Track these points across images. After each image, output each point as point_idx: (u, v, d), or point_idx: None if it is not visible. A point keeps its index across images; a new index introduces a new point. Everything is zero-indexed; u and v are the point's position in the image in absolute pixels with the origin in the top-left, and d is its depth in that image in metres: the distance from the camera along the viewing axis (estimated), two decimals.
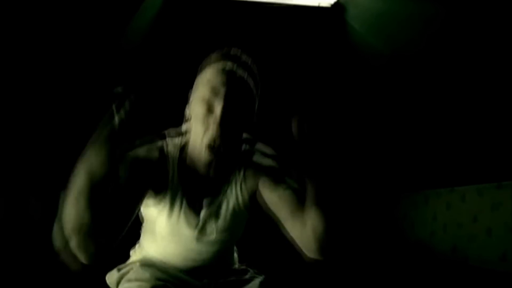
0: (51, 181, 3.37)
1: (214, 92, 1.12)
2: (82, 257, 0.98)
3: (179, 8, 3.25)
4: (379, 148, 4.46)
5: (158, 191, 1.17)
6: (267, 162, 1.22)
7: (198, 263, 1.24)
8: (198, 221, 1.20)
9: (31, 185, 3.28)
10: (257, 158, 1.23)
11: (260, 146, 1.27)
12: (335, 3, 3.60)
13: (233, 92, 1.12)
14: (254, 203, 1.23)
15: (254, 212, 1.26)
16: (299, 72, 4.43)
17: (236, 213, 1.21)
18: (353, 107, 4.55)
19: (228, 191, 1.21)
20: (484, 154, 3.14)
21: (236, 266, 1.36)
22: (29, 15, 2.68)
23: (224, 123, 1.10)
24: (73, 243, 0.96)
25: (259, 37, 4.03)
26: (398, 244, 4.39)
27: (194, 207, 1.19)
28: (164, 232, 1.21)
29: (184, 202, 1.19)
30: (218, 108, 1.10)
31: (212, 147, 1.11)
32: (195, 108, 1.15)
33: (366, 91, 4.22)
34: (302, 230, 1.11)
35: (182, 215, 1.19)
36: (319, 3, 3.58)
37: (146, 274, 1.21)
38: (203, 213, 1.19)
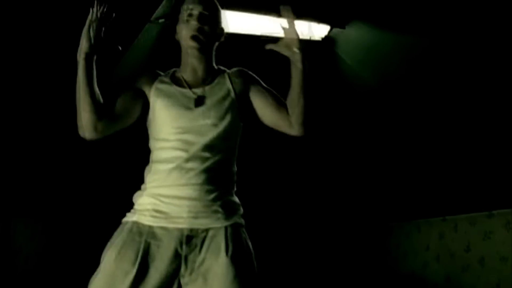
0: (39, 206, 3.31)
1: (190, 5, 1.51)
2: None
3: (173, 41, 3.28)
4: (370, 178, 4.49)
5: (157, 94, 1.50)
6: (249, 76, 1.60)
7: (197, 166, 1.40)
8: (193, 104, 1.46)
9: (17, 211, 3.20)
10: (239, 70, 1.60)
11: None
12: (326, 37, 3.69)
13: (203, 1, 1.52)
14: (243, 104, 1.52)
15: (246, 120, 1.53)
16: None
17: (226, 107, 1.48)
18: (343, 137, 4.59)
19: (216, 87, 1.51)
20: (475, 183, 3.17)
21: (232, 197, 1.49)
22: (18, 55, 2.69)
23: (201, 19, 1.48)
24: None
25: (251, 68, 4.09)
26: (391, 274, 4.36)
27: (188, 96, 1.48)
28: (167, 130, 1.45)
29: (180, 93, 1.49)
30: (195, 11, 1.49)
31: (195, 36, 1.47)
32: (180, 26, 1.52)
33: (355, 121, 4.27)
34: (288, 118, 1.47)
35: (177, 103, 1.47)
36: (310, 36, 3.66)
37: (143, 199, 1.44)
38: (195, 96, 1.47)
